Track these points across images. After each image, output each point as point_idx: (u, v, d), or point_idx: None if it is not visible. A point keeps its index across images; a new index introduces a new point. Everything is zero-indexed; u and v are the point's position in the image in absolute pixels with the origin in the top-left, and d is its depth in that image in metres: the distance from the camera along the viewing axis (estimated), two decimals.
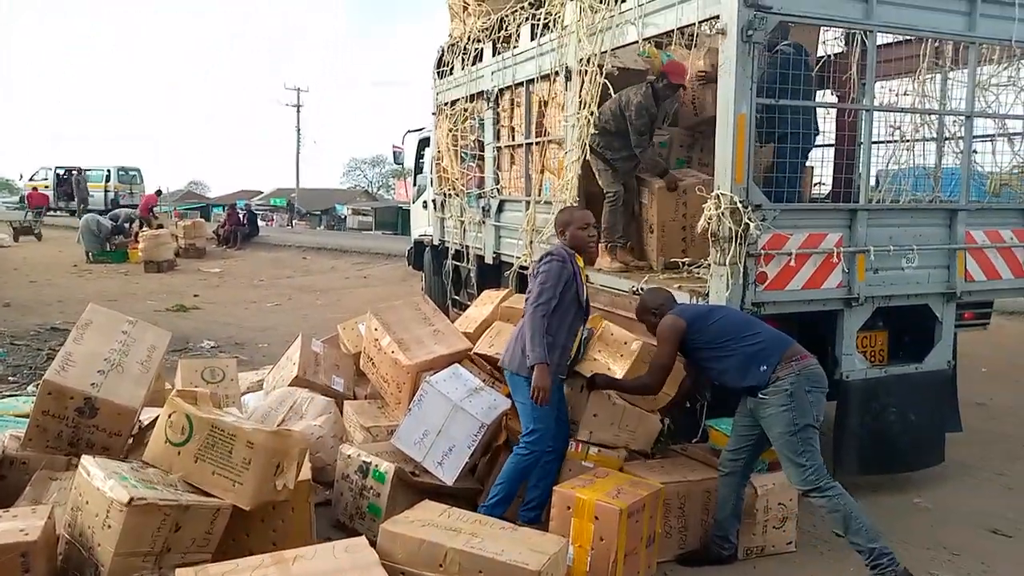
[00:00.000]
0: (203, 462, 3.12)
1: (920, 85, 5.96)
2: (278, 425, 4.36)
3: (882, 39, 6.34)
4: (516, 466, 3.91)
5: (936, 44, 5.86)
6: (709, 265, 5.59)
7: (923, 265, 4.92)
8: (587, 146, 5.72)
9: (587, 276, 4.35)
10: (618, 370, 4.26)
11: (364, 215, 47.72)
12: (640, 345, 4.30)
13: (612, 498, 3.53)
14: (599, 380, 4.23)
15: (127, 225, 19.37)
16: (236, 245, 21.11)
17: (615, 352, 4.38)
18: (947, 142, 6.09)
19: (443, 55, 9.07)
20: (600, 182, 5.91)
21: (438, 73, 9.20)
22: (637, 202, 5.95)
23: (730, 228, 4.29)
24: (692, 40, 5.89)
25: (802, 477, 3.61)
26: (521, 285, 6.72)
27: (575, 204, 5.73)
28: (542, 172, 6.80)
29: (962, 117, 5.29)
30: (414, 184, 12.02)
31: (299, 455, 3.27)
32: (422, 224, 11.24)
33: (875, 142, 6.13)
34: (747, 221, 4.26)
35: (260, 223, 25.70)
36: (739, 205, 4.27)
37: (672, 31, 4.83)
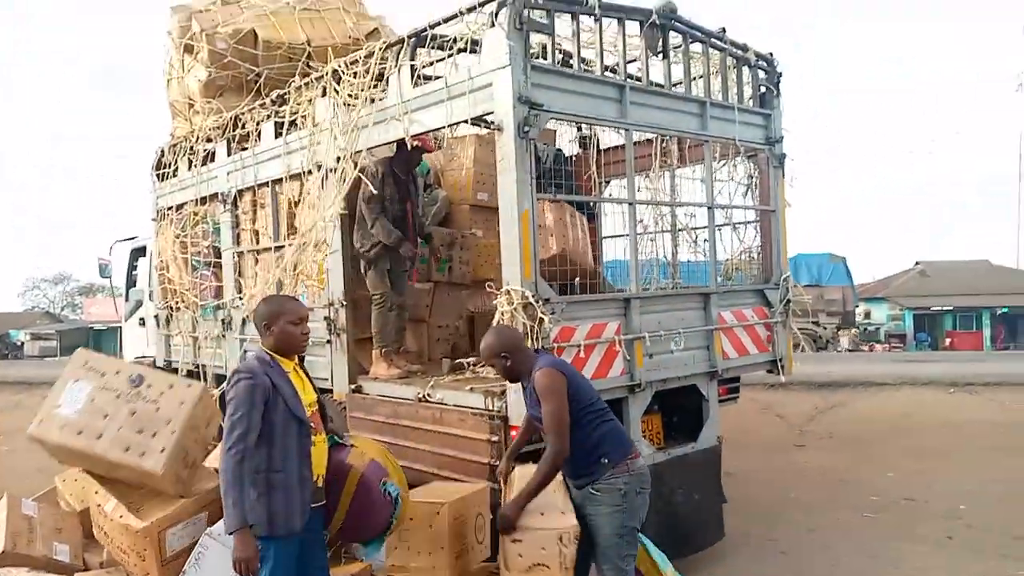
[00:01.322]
0: None
1: (655, 181, 6.51)
2: None
3: (609, 142, 6.95)
4: None
5: (663, 144, 6.49)
6: None
7: (688, 347, 5.18)
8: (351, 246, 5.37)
9: (305, 378, 3.42)
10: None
11: (46, 339, 42.11)
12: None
13: None
14: (505, 515, 3.38)
15: None
16: None
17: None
18: (680, 233, 6.68)
19: (163, 156, 8.23)
20: (367, 283, 5.56)
21: (158, 175, 8.30)
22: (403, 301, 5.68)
23: (523, 323, 4.16)
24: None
25: None
26: None
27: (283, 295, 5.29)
28: (296, 277, 6.26)
29: (701, 208, 5.78)
30: (126, 300, 10.61)
31: None
32: (138, 345, 9.90)
33: (614, 236, 6.60)
34: (541, 315, 4.16)
35: None
36: (531, 299, 4.16)
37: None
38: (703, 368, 5.29)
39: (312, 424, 3.27)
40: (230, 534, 3.00)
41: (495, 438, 4.38)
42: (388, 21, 7.95)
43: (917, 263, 38.25)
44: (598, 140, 6.94)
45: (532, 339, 4.15)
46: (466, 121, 5.03)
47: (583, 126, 7.26)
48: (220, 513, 3.74)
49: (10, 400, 15.56)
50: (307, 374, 3.45)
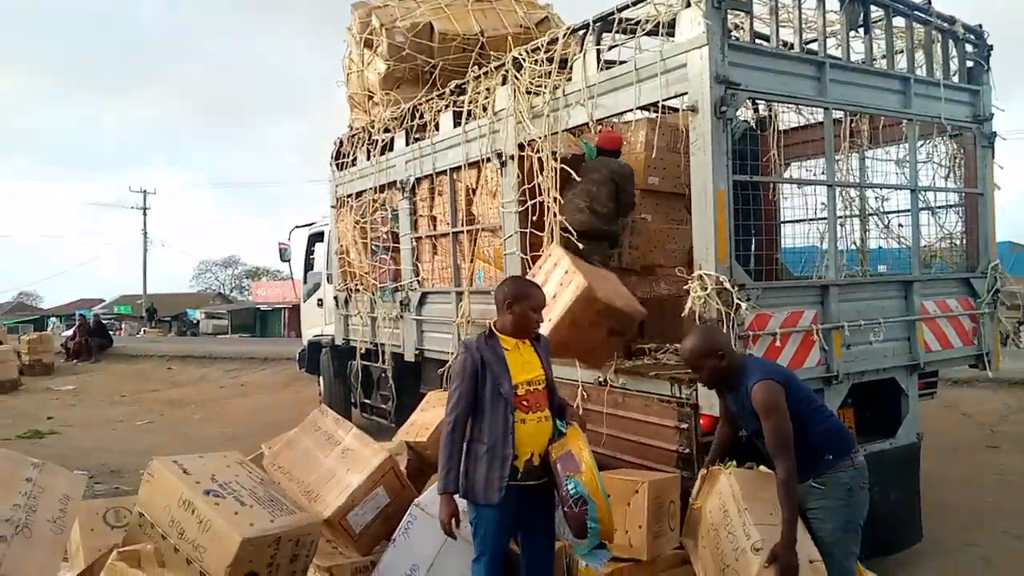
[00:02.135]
0: None
1: (842, 163, 6.16)
2: None
3: (789, 122, 6.64)
4: None
5: (852, 124, 6.12)
6: (672, 349, 5.43)
7: (889, 338, 4.89)
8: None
9: (535, 356, 3.49)
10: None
11: (219, 318, 45.52)
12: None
13: None
14: (790, 565, 3.08)
15: None
16: (90, 358, 19.12)
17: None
18: (870, 218, 6.30)
19: (342, 146, 8.66)
20: None
21: (337, 165, 8.75)
22: None
23: (718, 310, 4.06)
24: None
25: None
26: None
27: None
28: (472, 261, 6.43)
29: (895, 193, 5.42)
30: (304, 282, 11.29)
31: None
32: (316, 324, 10.52)
33: (811, 219, 6.28)
34: (738, 301, 4.04)
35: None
36: (727, 285, 4.06)
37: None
38: (903, 361, 4.98)
39: (525, 403, 3.31)
40: (440, 495, 3.24)
41: (684, 425, 4.32)
42: (555, 9, 7.99)
43: None
44: (777, 120, 6.66)
45: (727, 326, 4.05)
46: (647, 107, 4.97)
47: (759, 106, 7.00)
48: (393, 483, 3.98)
49: (196, 373, 17.00)
50: (543, 353, 3.49)
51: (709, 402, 4.14)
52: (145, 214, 44.90)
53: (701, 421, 4.24)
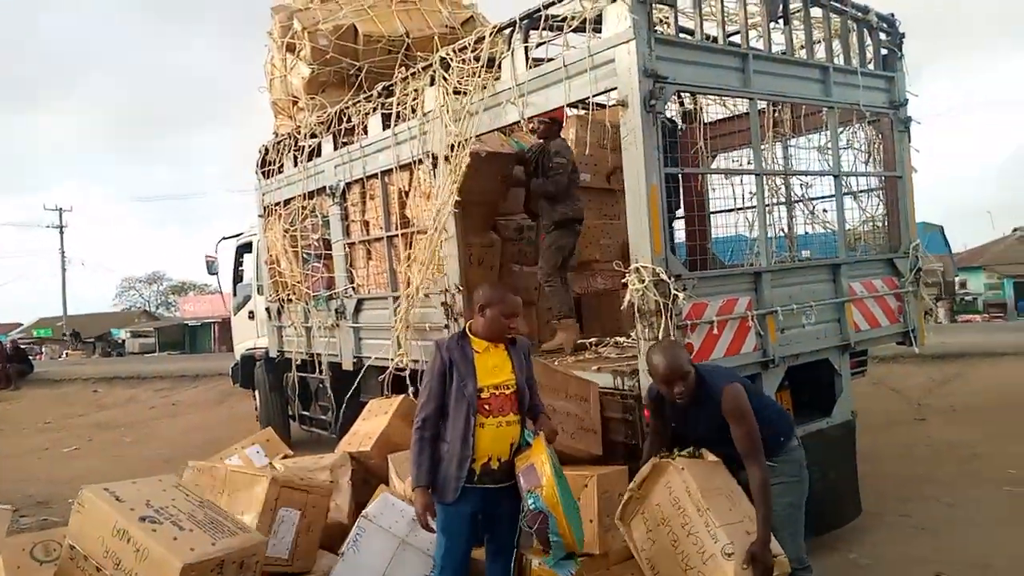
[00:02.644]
0: None
1: (767, 152, 6.30)
2: None
3: (714, 114, 6.78)
4: None
5: (775, 114, 6.28)
6: (612, 343, 5.48)
7: (820, 320, 5.02)
8: None
9: (508, 360, 3.46)
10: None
11: (145, 337, 44.08)
12: None
13: None
14: (765, 565, 3.12)
15: None
16: (9, 386, 18.22)
17: None
18: (796, 204, 6.46)
19: (267, 154, 8.44)
20: (543, 260, 5.79)
21: (263, 173, 8.53)
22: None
23: (656, 301, 4.10)
24: None
25: (798, 554, 3.36)
26: (397, 390, 6.11)
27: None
28: (408, 265, 6.34)
29: (818, 179, 5.58)
30: (234, 295, 10.98)
31: None
32: (249, 337, 10.23)
33: (740, 208, 6.41)
34: (675, 292, 4.08)
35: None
36: (663, 276, 4.09)
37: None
38: (835, 341, 5.13)
39: (487, 406, 3.30)
40: (413, 490, 3.33)
41: (629, 417, 4.35)
42: (480, 9, 7.95)
43: (1015, 229, 36.37)
44: (702, 113, 6.78)
45: (666, 317, 4.09)
46: (574, 104, 4.98)
47: (684, 99, 7.12)
48: (292, 496, 3.91)
49: (124, 395, 16.38)
50: (516, 358, 3.45)
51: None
52: (62, 233, 43.20)
53: (645, 413, 4.27)
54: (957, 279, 30.24)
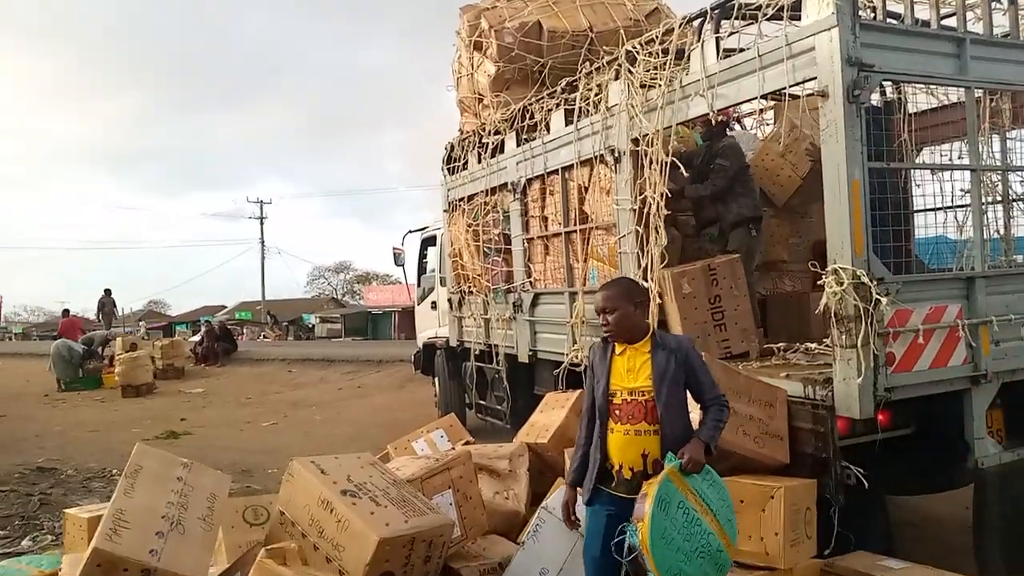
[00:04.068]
0: None
1: (987, 145, 5.73)
2: None
3: (920, 104, 6.23)
4: None
5: (993, 103, 5.69)
6: (803, 348, 5.20)
7: None
8: None
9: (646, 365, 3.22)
10: None
11: (333, 323, 47.12)
12: None
13: None
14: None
15: (100, 349, 18.41)
16: (216, 362, 20.20)
17: None
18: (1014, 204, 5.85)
19: (452, 151, 8.77)
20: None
21: (448, 169, 8.87)
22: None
23: (855, 306, 3.84)
24: None
25: None
26: (572, 384, 6.16)
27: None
28: (585, 261, 6.36)
29: None
30: (418, 285, 11.52)
31: None
32: (430, 326, 10.69)
33: (949, 207, 5.89)
34: (877, 296, 3.81)
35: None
36: (864, 279, 3.83)
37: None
38: None
39: (618, 411, 3.18)
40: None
41: (821, 429, 4.11)
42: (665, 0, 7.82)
43: None
44: (907, 103, 6.27)
45: (866, 323, 3.83)
46: (766, 96, 4.77)
47: (887, 88, 6.62)
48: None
49: (316, 375, 17.64)
50: (661, 362, 3.18)
51: (846, 404, 3.94)
52: (262, 223, 47.09)
53: (838, 424, 4.04)
54: None
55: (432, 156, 9.34)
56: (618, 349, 3.29)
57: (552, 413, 5.12)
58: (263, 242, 46.91)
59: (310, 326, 47.33)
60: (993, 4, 4.54)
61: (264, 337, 38.42)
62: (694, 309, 5.17)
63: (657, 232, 5.13)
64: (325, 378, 17.17)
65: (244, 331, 42.67)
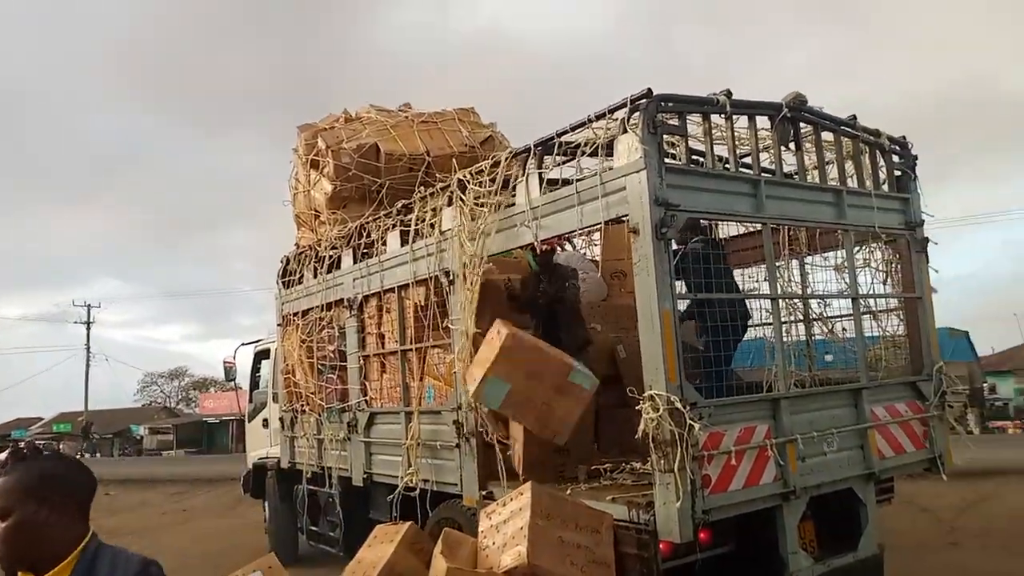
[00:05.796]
0: None
1: (782, 271, 6.27)
2: None
3: (729, 231, 6.79)
4: None
5: (791, 232, 6.28)
6: (629, 468, 5.31)
7: (842, 447, 4.86)
8: None
9: None
10: None
11: (164, 434, 44.01)
12: None
13: None
14: None
15: None
16: None
17: None
18: (814, 323, 6.38)
19: (288, 264, 8.57)
20: None
21: (284, 283, 8.63)
22: None
23: (671, 431, 3.99)
24: None
25: None
26: (407, 510, 5.96)
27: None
28: (422, 379, 6.29)
29: (836, 300, 5.53)
30: (250, 400, 10.92)
31: None
32: (262, 445, 10.09)
33: (758, 324, 6.33)
34: (690, 422, 3.98)
35: None
36: (678, 405, 4.00)
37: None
38: (859, 470, 4.96)
39: None
40: None
41: (645, 554, 4.17)
42: (499, 127, 8.19)
43: None
44: (718, 229, 6.81)
45: (681, 448, 3.97)
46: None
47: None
48: None
49: (136, 499, 16.15)
50: None
51: (667, 527, 4.03)
52: (88, 328, 43.86)
53: (661, 547, 4.11)
54: (986, 384, 29.57)
55: (277, 259, 9.02)
56: None
57: (379, 548, 4.90)
58: (88, 347, 43.55)
59: (138, 438, 43.93)
60: (783, 148, 5.06)
61: (80, 455, 34.99)
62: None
63: None
64: (147, 501, 15.76)
65: (61, 446, 38.79)
